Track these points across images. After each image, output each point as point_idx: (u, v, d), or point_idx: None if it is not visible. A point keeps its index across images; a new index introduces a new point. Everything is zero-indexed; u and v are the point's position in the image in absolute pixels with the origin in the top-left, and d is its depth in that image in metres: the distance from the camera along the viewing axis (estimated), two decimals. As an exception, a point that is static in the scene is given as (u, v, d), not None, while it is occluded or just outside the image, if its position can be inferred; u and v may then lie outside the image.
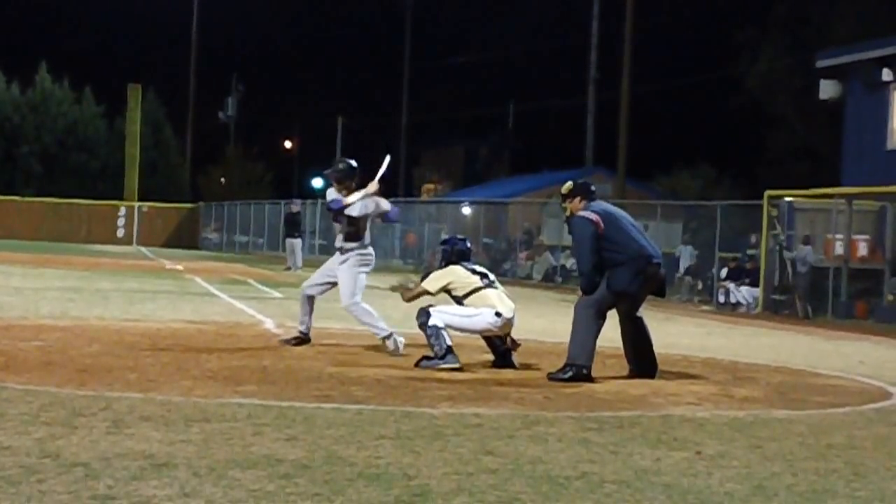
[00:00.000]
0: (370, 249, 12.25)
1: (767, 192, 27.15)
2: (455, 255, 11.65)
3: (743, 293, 27.21)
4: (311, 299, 12.34)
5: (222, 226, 63.95)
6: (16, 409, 7.46)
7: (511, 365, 11.21)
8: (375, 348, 12.44)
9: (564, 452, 6.90)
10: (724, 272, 28.42)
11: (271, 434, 7.01)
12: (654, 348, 11.12)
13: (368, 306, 12.07)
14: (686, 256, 31.67)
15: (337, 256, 12.24)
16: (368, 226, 12.28)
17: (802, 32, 48.43)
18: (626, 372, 10.99)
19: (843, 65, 31.89)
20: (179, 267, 34.18)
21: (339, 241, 12.25)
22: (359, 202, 12.07)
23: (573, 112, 59.58)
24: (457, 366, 10.77)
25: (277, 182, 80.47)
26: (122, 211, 63.64)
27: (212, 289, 23.20)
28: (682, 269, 31.34)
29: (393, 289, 11.98)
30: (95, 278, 25.24)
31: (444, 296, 11.49)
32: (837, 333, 20.60)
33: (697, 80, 61.15)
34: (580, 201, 10.96)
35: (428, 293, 11.51)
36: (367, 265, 12.17)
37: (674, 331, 18.12)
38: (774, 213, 26.91)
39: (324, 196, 12.77)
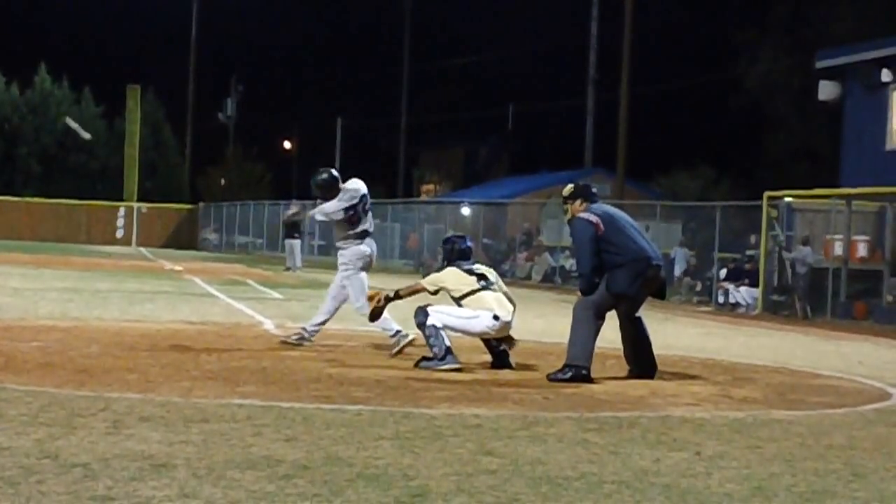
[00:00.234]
0: (363, 247, 12.31)
1: (767, 193, 27.16)
2: (455, 254, 11.64)
3: (742, 294, 27.22)
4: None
5: (221, 226, 63.97)
6: (15, 410, 7.46)
7: (508, 365, 11.19)
8: (375, 348, 12.45)
9: (564, 453, 6.90)
10: (723, 273, 28.43)
11: (271, 435, 7.01)
12: (654, 349, 11.13)
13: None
14: (681, 259, 31.63)
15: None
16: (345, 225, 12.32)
17: (802, 33, 48.44)
18: (625, 373, 10.99)
19: (842, 65, 31.89)
20: (179, 268, 34.18)
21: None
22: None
23: (572, 113, 59.65)
24: (456, 366, 10.77)
25: (277, 183, 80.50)
26: (122, 212, 63.63)
27: (211, 289, 23.20)
28: (676, 272, 31.31)
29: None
30: (95, 279, 25.24)
31: (443, 295, 11.49)
32: (837, 334, 20.60)
33: (697, 81, 61.18)
34: (581, 203, 10.96)
35: (426, 291, 11.51)
36: (361, 262, 12.28)
37: (673, 331, 18.12)
38: (774, 213, 26.92)
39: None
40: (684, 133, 69.55)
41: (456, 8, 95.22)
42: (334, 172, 12.53)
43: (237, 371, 10.09)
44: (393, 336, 11.98)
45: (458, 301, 11.25)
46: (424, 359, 10.98)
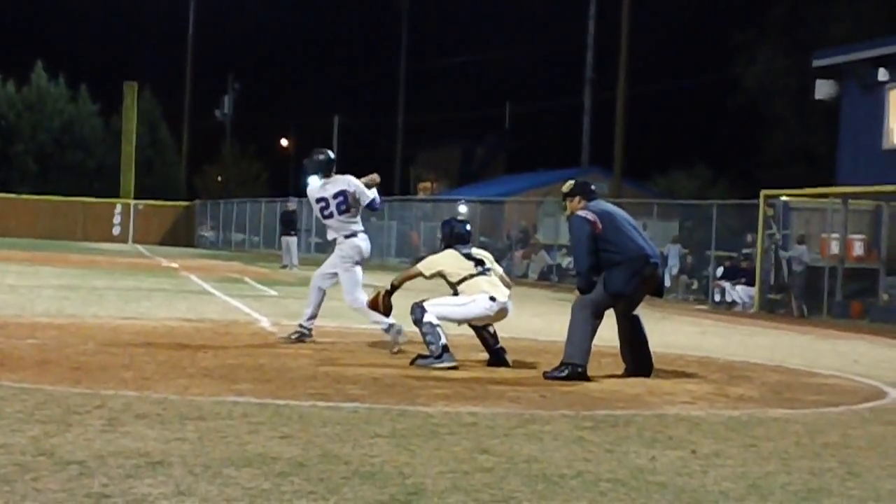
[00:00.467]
0: (343, 245, 12.42)
1: (763, 192, 27.17)
2: (454, 237, 11.56)
3: (739, 292, 27.23)
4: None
5: (218, 224, 63.96)
6: (11, 408, 7.46)
7: (505, 363, 11.19)
8: (371, 346, 12.46)
9: (560, 451, 6.90)
10: (720, 271, 28.44)
11: (266, 432, 7.01)
12: (651, 347, 11.12)
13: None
14: (674, 255, 31.62)
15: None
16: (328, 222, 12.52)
17: (799, 33, 48.43)
18: (621, 371, 10.99)
19: (839, 65, 31.91)
20: (175, 265, 34.16)
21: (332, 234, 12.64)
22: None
23: (570, 112, 59.59)
24: (453, 364, 10.76)
25: (273, 180, 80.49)
26: (118, 209, 63.63)
27: (207, 287, 23.19)
28: (668, 269, 31.31)
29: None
30: (91, 276, 25.23)
31: (437, 282, 11.44)
32: (833, 333, 20.61)
33: (694, 81, 61.20)
34: (579, 201, 10.96)
35: (422, 276, 11.44)
36: (358, 256, 12.43)
37: (669, 330, 18.12)
38: (770, 212, 26.92)
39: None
40: (682, 133, 69.60)
41: (453, 7, 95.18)
42: (331, 154, 12.83)
43: (233, 369, 10.09)
44: (387, 330, 12.02)
45: (454, 286, 11.21)
46: (420, 357, 10.97)
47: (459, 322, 11.25)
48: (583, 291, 10.63)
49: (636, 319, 10.98)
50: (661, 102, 66.67)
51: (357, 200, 12.47)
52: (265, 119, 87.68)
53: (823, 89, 32.75)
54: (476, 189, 56.27)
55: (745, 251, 28.37)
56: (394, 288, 11.53)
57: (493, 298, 11.06)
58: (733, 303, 27.23)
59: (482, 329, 11.33)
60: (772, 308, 26.12)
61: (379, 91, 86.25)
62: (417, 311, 11.01)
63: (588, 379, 10.34)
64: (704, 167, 59.86)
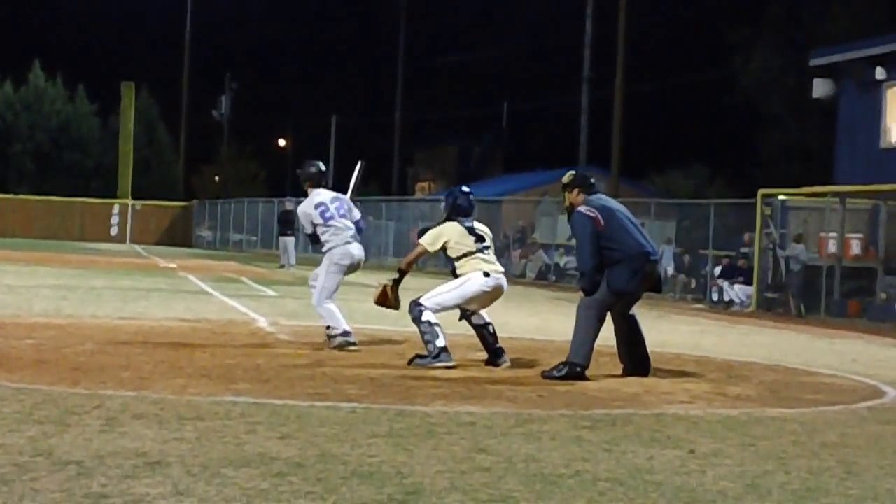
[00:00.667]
0: (335, 257, 12.32)
1: (761, 191, 27.18)
2: (456, 209, 11.36)
3: (736, 291, 27.23)
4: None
5: (216, 224, 63.92)
6: (8, 408, 7.46)
7: (504, 363, 11.16)
8: (369, 346, 12.45)
9: (558, 450, 6.90)
10: (717, 270, 28.45)
11: (265, 432, 7.01)
12: (648, 346, 11.11)
13: (332, 306, 12.21)
14: (668, 256, 31.63)
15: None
16: (325, 230, 12.37)
17: (795, 32, 48.46)
18: (619, 370, 10.98)
19: (836, 64, 31.92)
20: (173, 265, 34.15)
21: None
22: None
23: (567, 111, 59.59)
24: (450, 364, 10.75)
25: (271, 180, 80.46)
26: (116, 209, 63.60)
27: (205, 287, 23.19)
28: (663, 270, 31.29)
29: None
30: (89, 276, 25.22)
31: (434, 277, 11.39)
32: (830, 332, 20.62)
33: (691, 80, 61.15)
34: (578, 193, 10.86)
35: (427, 252, 11.31)
36: (337, 264, 12.33)
37: (667, 329, 18.12)
38: (768, 211, 26.93)
39: None
40: (679, 131, 69.63)
41: (450, 6, 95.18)
42: (322, 165, 12.90)
43: (231, 368, 10.09)
44: (339, 335, 12.02)
45: (453, 260, 11.12)
46: (418, 356, 10.96)
47: (458, 305, 11.13)
48: (588, 292, 10.56)
49: (633, 319, 10.95)
50: (657, 101, 66.70)
51: (350, 211, 12.55)
52: (263, 119, 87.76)
53: (821, 88, 32.75)
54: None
55: (742, 250, 28.37)
56: (402, 273, 11.42)
57: (486, 274, 10.99)
58: (731, 302, 27.23)
59: (482, 328, 11.28)
60: (769, 307, 26.12)
61: (376, 91, 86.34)
62: (415, 309, 10.98)
63: (586, 378, 10.34)
64: (701, 166, 59.88)
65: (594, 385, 10.16)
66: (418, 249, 11.37)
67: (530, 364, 11.35)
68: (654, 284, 11.03)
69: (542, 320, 17.92)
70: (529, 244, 39.13)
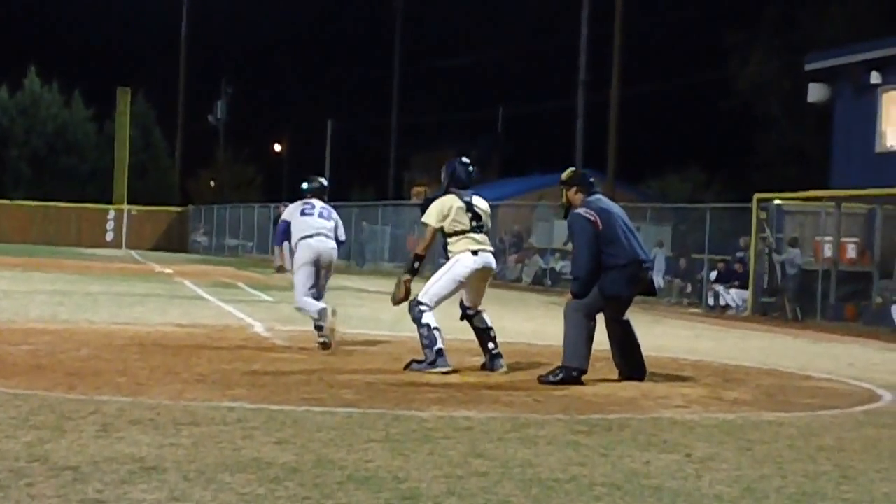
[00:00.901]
0: (298, 251, 12.84)
1: (756, 195, 27.19)
2: (454, 180, 11.22)
3: (732, 296, 27.24)
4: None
5: (212, 229, 63.87)
6: (4, 413, 7.45)
7: (500, 368, 11.13)
8: (365, 351, 12.45)
9: (554, 455, 6.90)
10: (713, 275, 28.46)
11: (261, 437, 7.01)
12: (644, 351, 11.09)
13: (309, 298, 12.67)
14: (660, 260, 31.60)
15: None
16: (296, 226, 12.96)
17: (792, 35, 48.49)
18: (615, 375, 10.97)
19: (831, 68, 31.95)
20: (169, 270, 34.14)
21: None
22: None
23: (563, 115, 59.61)
24: (447, 369, 10.74)
25: (267, 185, 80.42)
26: (112, 214, 63.53)
27: (201, 292, 23.18)
28: (656, 274, 31.27)
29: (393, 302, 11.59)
30: (85, 282, 25.21)
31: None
32: (826, 336, 20.63)
33: (687, 83, 61.23)
34: (577, 192, 10.74)
35: (437, 231, 11.06)
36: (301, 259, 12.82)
37: (663, 333, 18.13)
38: (763, 215, 26.94)
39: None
40: (674, 135, 69.69)
41: (446, 10, 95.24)
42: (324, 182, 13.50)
43: (227, 374, 10.08)
44: (318, 324, 12.47)
45: (446, 236, 11.00)
46: (415, 361, 10.95)
47: (454, 290, 11.00)
48: (578, 296, 10.51)
49: (627, 323, 10.89)
50: (654, 104, 66.78)
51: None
52: (258, 123, 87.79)
53: (816, 92, 32.77)
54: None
55: (738, 255, 28.38)
56: (419, 258, 11.18)
57: (475, 252, 10.93)
58: (727, 306, 27.24)
59: (483, 332, 11.24)
60: (765, 311, 26.13)
61: (372, 95, 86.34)
62: (415, 309, 10.92)
63: (582, 383, 10.33)
64: (698, 169, 59.94)
65: (590, 389, 10.16)
66: (429, 230, 11.10)
67: (526, 369, 11.34)
68: (646, 288, 10.99)
69: (538, 325, 17.91)
70: (525, 249, 39.13)
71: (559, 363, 10.48)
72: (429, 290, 10.97)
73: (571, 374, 10.32)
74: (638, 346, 10.97)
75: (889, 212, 26.34)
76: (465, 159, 11.56)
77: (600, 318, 10.80)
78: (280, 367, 10.74)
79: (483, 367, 11.18)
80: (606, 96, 44.01)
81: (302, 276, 12.76)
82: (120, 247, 60.54)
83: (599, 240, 10.44)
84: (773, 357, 15.02)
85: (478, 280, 11.10)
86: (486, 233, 11.34)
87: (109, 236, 62.71)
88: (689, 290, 30.65)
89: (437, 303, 10.96)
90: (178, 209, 67.64)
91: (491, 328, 11.24)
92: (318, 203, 13.09)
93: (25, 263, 33.36)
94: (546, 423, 8.14)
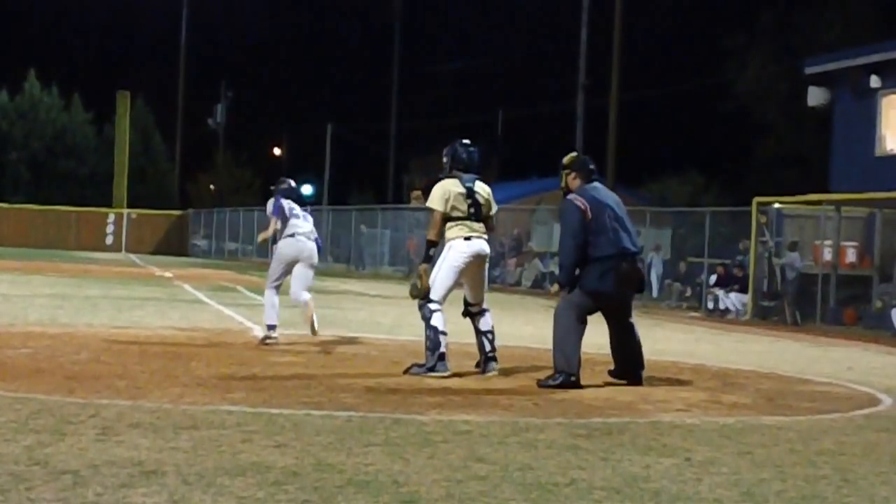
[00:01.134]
0: (283, 246, 13.62)
1: (756, 199, 27.20)
2: (455, 162, 11.13)
3: (732, 300, 27.24)
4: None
5: (211, 233, 63.88)
6: (4, 417, 7.45)
7: (491, 371, 11.03)
8: (365, 355, 12.44)
9: (554, 459, 6.90)
10: (712, 278, 28.46)
11: (260, 441, 7.00)
12: (644, 355, 11.07)
13: (275, 299, 13.41)
14: (657, 263, 31.56)
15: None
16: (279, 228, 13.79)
17: (790, 39, 48.52)
18: (615, 378, 10.95)
19: (831, 72, 31.94)
20: (168, 274, 34.13)
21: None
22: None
23: (562, 119, 59.60)
24: (447, 373, 10.73)
25: (266, 189, 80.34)
26: (111, 218, 63.59)
27: (200, 296, 23.18)
28: (653, 277, 31.29)
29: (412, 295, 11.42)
30: (84, 285, 25.20)
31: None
32: (826, 340, 20.62)
33: (686, 87, 61.24)
34: (575, 178, 10.67)
35: (442, 214, 10.91)
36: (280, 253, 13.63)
37: (663, 337, 18.13)
38: (763, 219, 26.95)
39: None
40: (674, 139, 69.68)
41: (445, 14, 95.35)
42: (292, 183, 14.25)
43: (227, 377, 10.08)
44: (269, 331, 13.20)
45: (444, 221, 10.92)
46: (415, 365, 10.95)
47: (456, 279, 10.92)
48: (563, 285, 10.48)
49: (631, 327, 10.83)
50: (653, 108, 66.77)
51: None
52: (257, 127, 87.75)
53: (815, 97, 32.76)
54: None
55: (738, 258, 28.39)
56: (433, 244, 11.00)
57: (467, 238, 10.88)
58: (726, 310, 27.24)
59: (483, 334, 11.20)
60: (765, 315, 26.13)
61: (371, 99, 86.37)
62: (425, 308, 10.87)
63: (581, 386, 10.33)
64: (697, 173, 59.93)
65: (590, 393, 10.16)
66: (435, 215, 10.97)
67: (526, 372, 11.34)
68: (635, 285, 10.74)
69: (537, 328, 17.90)
70: (524, 252, 39.13)
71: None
72: (433, 284, 10.95)
73: (570, 378, 10.31)
74: (640, 350, 10.88)
75: (889, 215, 26.36)
76: (465, 141, 11.42)
77: (602, 322, 10.80)
78: (279, 371, 10.74)
79: (477, 365, 11.15)
80: (606, 100, 44.03)
81: (277, 268, 13.62)
82: (119, 250, 60.59)
83: (587, 229, 10.37)
84: (773, 361, 15.02)
85: (474, 267, 11.05)
86: (492, 216, 11.27)
87: (109, 240, 62.76)
88: (688, 293, 30.66)
89: (444, 295, 10.91)
90: (178, 213, 67.67)
91: (490, 331, 11.22)
92: (298, 208, 13.86)
93: (25, 267, 33.36)
94: (545, 427, 8.14)
